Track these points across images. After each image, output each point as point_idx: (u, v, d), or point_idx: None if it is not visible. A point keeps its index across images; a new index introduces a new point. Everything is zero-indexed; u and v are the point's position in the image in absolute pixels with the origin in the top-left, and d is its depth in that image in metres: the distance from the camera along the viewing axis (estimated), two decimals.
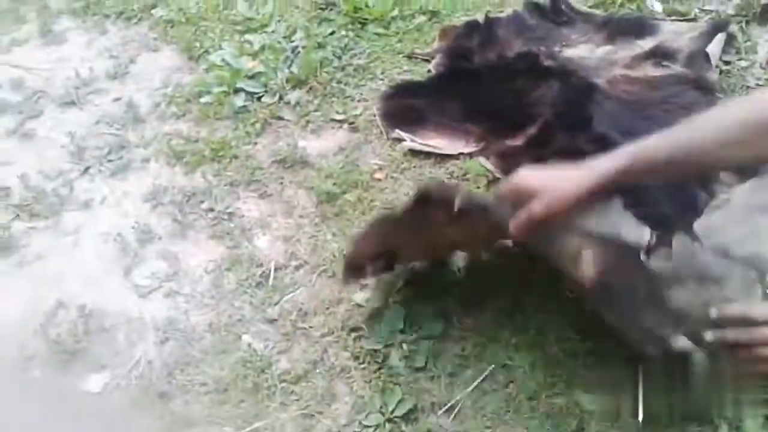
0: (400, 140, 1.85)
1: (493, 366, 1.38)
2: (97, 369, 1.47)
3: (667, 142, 1.03)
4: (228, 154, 1.88)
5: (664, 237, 1.44)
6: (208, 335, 1.50)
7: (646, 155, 1.04)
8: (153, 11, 2.45)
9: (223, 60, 2.16)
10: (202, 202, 1.78)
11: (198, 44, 2.25)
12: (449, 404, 1.33)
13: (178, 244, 1.69)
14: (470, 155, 1.79)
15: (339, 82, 2.05)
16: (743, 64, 1.95)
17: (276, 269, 1.59)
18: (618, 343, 1.22)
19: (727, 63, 1.95)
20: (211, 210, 1.75)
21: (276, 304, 1.53)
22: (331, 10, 2.32)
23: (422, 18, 2.24)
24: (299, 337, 1.47)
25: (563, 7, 2.13)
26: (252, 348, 1.46)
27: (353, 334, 1.45)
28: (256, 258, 1.62)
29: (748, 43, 2.00)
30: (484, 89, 1.91)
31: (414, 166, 1.79)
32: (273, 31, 2.26)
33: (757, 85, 1.88)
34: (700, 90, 1.84)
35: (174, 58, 2.25)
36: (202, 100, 2.04)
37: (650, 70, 1.91)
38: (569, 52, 2.01)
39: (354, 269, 1.45)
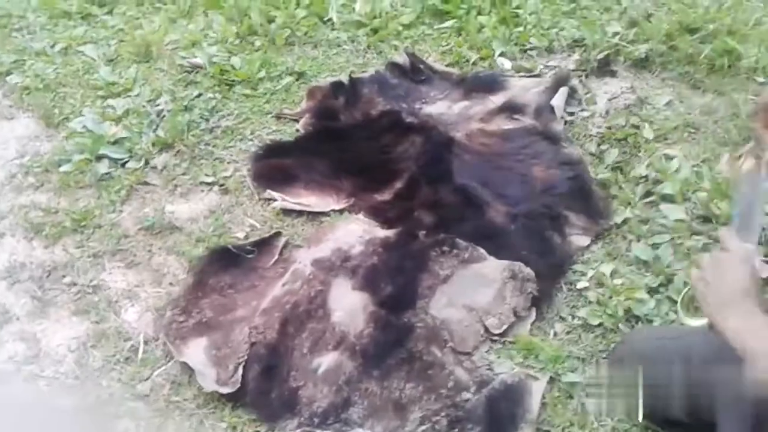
0: (271, 200, 1.86)
1: None
2: None
3: None
4: (91, 224, 1.81)
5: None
6: (73, 418, 1.42)
7: None
8: (8, 78, 2.35)
9: (84, 126, 2.10)
10: (64, 276, 1.70)
11: (57, 111, 2.18)
12: None
13: (37, 323, 1.60)
14: (341, 211, 1.83)
15: (207, 144, 2.05)
16: (585, 114, 2.13)
17: (146, 342, 1.54)
18: None
19: (570, 114, 2.13)
20: (74, 284, 1.68)
21: (147, 379, 1.48)
22: (197, 73, 2.32)
23: (289, 78, 2.29)
24: (173, 412, 1.42)
25: (421, 66, 2.25)
26: (123, 430, 1.39)
27: (230, 403, 1.42)
28: (124, 332, 1.57)
29: (588, 95, 2.19)
30: (352, 147, 1.98)
31: (287, 225, 1.81)
32: (137, 95, 2.23)
33: (598, 132, 2.06)
34: (548, 140, 1.99)
35: (31, 126, 2.17)
36: (62, 168, 1.97)
37: (503, 124, 2.05)
38: (429, 109, 2.12)
39: None
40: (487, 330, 1.53)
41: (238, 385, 1.41)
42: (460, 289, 1.58)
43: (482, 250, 1.65)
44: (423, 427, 1.34)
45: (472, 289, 1.58)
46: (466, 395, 1.39)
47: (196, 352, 1.48)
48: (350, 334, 1.49)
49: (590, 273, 1.67)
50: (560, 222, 1.77)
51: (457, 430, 1.34)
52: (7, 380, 1.49)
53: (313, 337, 1.50)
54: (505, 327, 1.53)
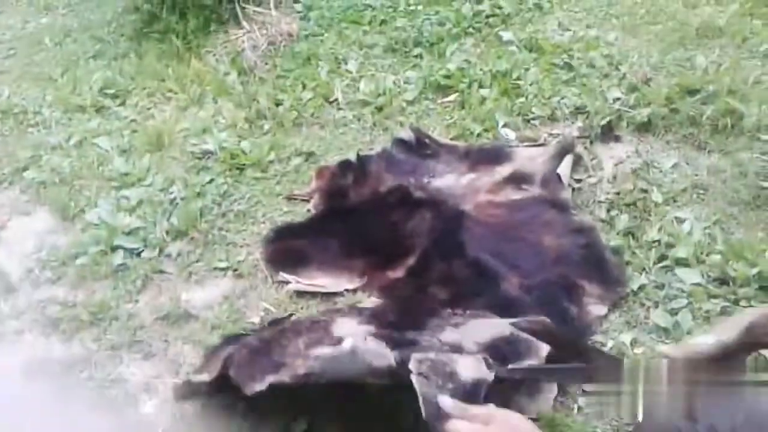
0: (285, 282, 1.87)
1: None
2: None
3: None
4: (108, 316, 1.82)
5: None
6: None
7: None
8: (24, 173, 2.42)
9: (99, 218, 2.14)
10: (82, 371, 1.70)
11: (73, 204, 2.23)
12: None
13: (57, 420, 1.59)
14: (354, 290, 1.83)
15: (220, 229, 2.08)
16: (592, 180, 2.15)
17: None
18: None
19: (578, 181, 2.15)
20: (92, 378, 1.67)
21: None
22: (208, 158, 2.38)
23: (298, 159, 2.34)
24: None
25: (427, 141, 2.29)
26: None
27: None
28: (143, 426, 1.55)
29: (594, 161, 2.21)
30: (362, 225, 1.99)
31: (301, 308, 1.81)
32: (150, 185, 2.27)
33: (607, 198, 2.07)
34: (557, 208, 2.00)
35: (48, 220, 2.21)
36: (78, 261, 2.00)
37: (511, 194, 2.07)
38: (437, 183, 2.15)
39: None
40: None
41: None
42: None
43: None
44: None
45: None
46: None
47: None
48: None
49: (610, 343, 1.65)
50: (576, 292, 1.76)
51: None
52: None
53: (309, 340, 1.43)
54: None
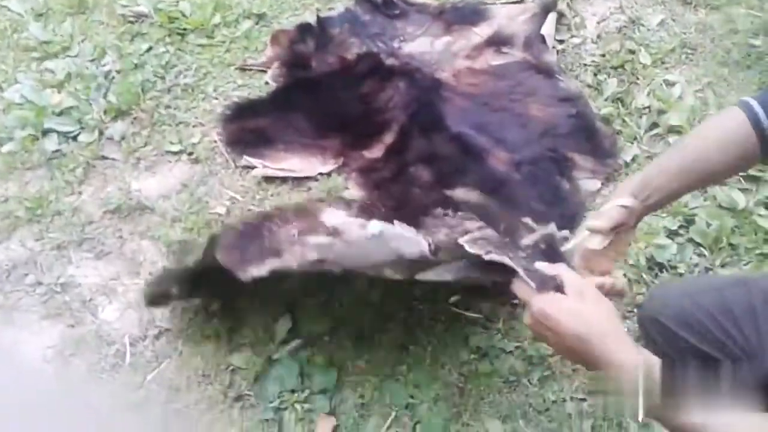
0: (250, 167, 1.67)
1: (396, 409, 1.28)
2: None
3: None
4: (48, 211, 1.60)
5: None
6: None
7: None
8: None
9: (22, 96, 1.84)
10: (26, 275, 1.50)
11: None
12: None
13: (4, 333, 1.42)
14: (329, 174, 1.66)
15: (167, 106, 1.82)
16: (576, 41, 1.97)
17: (132, 344, 1.38)
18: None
19: (561, 41, 1.97)
20: (39, 283, 1.48)
21: (140, 386, 1.32)
22: (142, 22, 2.06)
23: (248, 23, 2.05)
24: (173, 420, 1.28)
25: None
26: None
27: (238, 405, 1.29)
28: (105, 334, 1.40)
29: (577, 20, 2.03)
30: (330, 99, 1.78)
31: (272, 195, 1.63)
32: (77, 55, 1.96)
33: (593, 61, 1.91)
34: (542, 74, 1.84)
35: None
36: (5, 148, 1.73)
37: (491, 59, 1.88)
38: (408, 48, 1.93)
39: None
40: None
41: None
42: None
43: None
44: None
45: None
46: None
47: None
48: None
49: None
50: (567, 166, 1.65)
51: None
52: None
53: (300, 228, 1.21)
54: None
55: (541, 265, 0.90)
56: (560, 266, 0.89)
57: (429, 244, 1.01)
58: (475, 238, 1.00)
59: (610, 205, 1.01)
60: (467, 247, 0.96)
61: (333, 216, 1.26)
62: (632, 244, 1.49)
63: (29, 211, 1.60)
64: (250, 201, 1.61)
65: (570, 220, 1.55)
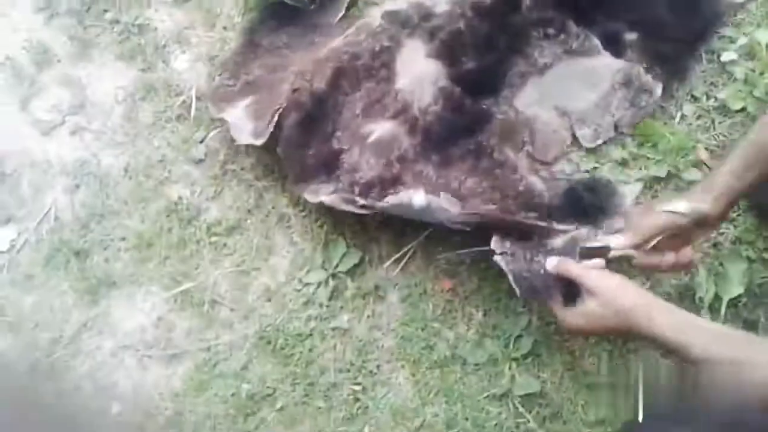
0: None
1: None
2: (0, 223, 1.29)
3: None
4: None
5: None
6: (125, 181, 1.30)
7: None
8: None
9: None
10: (106, 11, 1.46)
11: None
12: (398, 255, 1.20)
13: (81, 68, 1.42)
14: None
15: None
16: None
17: (198, 98, 1.35)
18: None
19: None
20: (117, 22, 1.44)
21: (201, 141, 1.32)
22: None
23: None
24: (230, 181, 1.28)
25: None
26: (176, 195, 1.27)
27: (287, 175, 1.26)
28: (174, 84, 1.37)
29: None
30: None
31: None
32: None
33: None
34: None
35: None
36: None
37: None
38: None
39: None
40: (576, 140, 1.25)
41: (268, 135, 1.17)
42: (557, 86, 1.25)
43: (596, 41, 1.27)
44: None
45: (572, 89, 1.25)
46: (537, 200, 1.14)
47: (237, 110, 1.23)
48: (414, 106, 1.20)
49: (741, 41, 1.31)
50: None
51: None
52: (52, 132, 1.36)
53: (369, 99, 1.20)
54: (599, 142, 1.24)
55: (552, 261, 1.00)
56: (569, 263, 0.98)
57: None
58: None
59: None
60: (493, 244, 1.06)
61: (408, 65, 1.23)
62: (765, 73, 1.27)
63: None
64: None
65: (698, 35, 1.32)
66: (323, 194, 1.14)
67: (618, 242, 1.00)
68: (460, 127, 1.19)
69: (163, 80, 1.37)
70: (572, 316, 0.93)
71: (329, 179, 1.17)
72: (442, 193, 1.10)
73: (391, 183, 1.14)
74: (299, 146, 1.18)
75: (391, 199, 1.11)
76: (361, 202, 1.11)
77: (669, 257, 0.99)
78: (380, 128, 1.18)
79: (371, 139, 1.18)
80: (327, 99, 1.20)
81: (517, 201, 1.11)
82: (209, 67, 1.38)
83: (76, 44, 1.43)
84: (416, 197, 1.09)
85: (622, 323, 0.87)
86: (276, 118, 1.16)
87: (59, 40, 1.44)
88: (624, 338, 0.91)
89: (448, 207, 1.08)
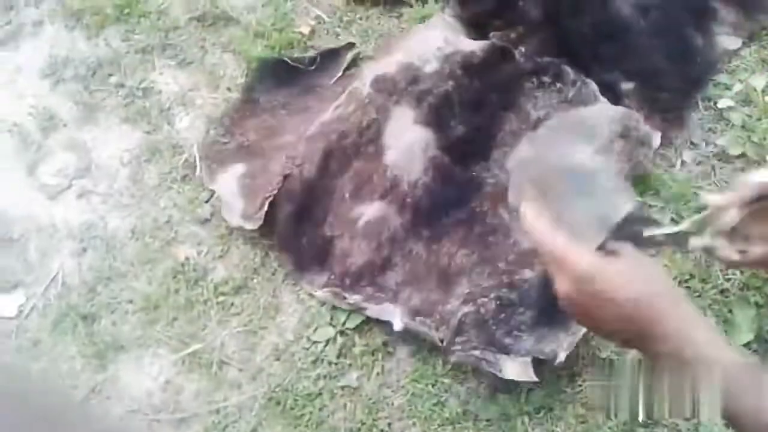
0: None
1: None
2: (8, 289, 1.29)
3: None
4: (136, 11, 1.56)
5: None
6: (132, 243, 1.31)
7: None
8: None
9: None
10: (111, 75, 1.50)
11: None
12: None
13: (86, 131, 1.44)
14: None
15: None
16: None
17: (201, 157, 1.37)
18: None
19: None
20: (122, 86, 1.48)
21: (207, 201, 1.33)
22: None
23: None
24: (236, 240, 1.29)
25: None
26: (183, 256, 1.28)
27: None
28: (178, 144, 1.39)
29: None
30: None
31: (360, 18, 1.50)
32: None
33: None
34: None
35: None
36: None
37: None
38: None
39: None
40: None
41: (260, 222, 1.21)
42: (551, 140, 1.26)
43: (593, 87, 1.27)
44: (465, 309, 1.11)
45: (567, 142, 1.26)
46: (526, 273, 1.13)
47: (229, 180, 1.27)
48: (403, 181, 1.21)
49: (737, 87, 1.34)
50: (705, 16, 1.39)
51: (504, 315, 1.11)
52: (58, 196, 1.37)
53: (358, 179, 1.23)
54: None
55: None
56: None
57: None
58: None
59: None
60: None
61: (396, 133, 1.25)
62: (763, 118, 1.29)
63: (117, 8, 1.56)
64: (337, 23, 1.49)
65: (694, 83, 1.35)
66: (317, 286, 1.20)
67: (715, 199, 0.75)
68: (451, 198, 1.20)
69: (167, 142, 1.40)
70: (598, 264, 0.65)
71: (323, 269, 1.21)
72: (418, 318, 1.13)
73: (381, 268, 1.18)
74: (294, 237, 1.22)
75: (374, 309, 1.16)
76: (350, 300, 1.16)
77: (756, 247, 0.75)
78: (370, 210, 1.22)
79: (361, 222, 1.21)
80: (317, 185, 1.24)
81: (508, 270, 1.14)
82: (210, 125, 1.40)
83: (82, 109, 1.46)
84: (396, 322, 1.14)
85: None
86: (266, 207, 1.21)
87: (65, 105, 1.47)
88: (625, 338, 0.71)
89: (426, 330, 1.13)
